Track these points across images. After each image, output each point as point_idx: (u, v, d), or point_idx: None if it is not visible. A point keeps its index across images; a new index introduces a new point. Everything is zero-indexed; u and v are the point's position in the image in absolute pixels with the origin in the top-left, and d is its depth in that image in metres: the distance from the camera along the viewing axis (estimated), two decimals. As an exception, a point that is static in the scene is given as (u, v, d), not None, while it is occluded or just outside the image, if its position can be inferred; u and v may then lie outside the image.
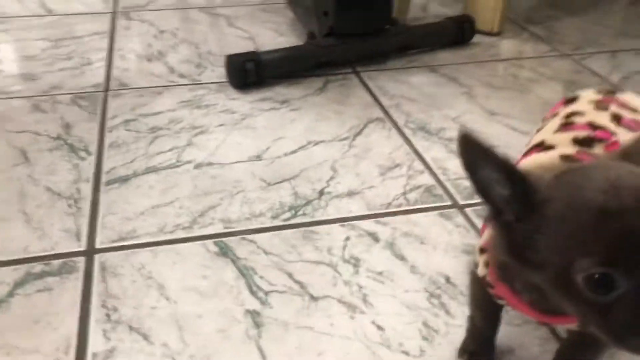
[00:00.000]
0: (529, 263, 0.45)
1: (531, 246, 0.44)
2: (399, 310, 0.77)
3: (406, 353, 0.71)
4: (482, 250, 0.57)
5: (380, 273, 0.82)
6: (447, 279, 0.81)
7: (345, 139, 1.14)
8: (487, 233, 0.56)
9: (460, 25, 1.53)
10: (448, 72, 1.42)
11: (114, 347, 0.70)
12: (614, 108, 0.62)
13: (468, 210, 0.95)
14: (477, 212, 0.94)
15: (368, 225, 0.91)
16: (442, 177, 1.03)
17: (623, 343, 0.41)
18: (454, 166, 1.06)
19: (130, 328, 0.73)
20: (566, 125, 0.61)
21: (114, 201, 0.95)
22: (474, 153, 0.43)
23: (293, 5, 1.60)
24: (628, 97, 0.65)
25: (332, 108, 1.25)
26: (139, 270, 0.82)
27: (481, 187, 0.45)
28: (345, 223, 0.91)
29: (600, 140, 0.57)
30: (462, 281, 0.81)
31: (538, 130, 0.68)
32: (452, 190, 1.00)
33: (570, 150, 0.56)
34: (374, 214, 0.94)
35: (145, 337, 0.72)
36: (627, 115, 0.62)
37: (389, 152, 1.10)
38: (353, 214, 0.93)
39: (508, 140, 1.15)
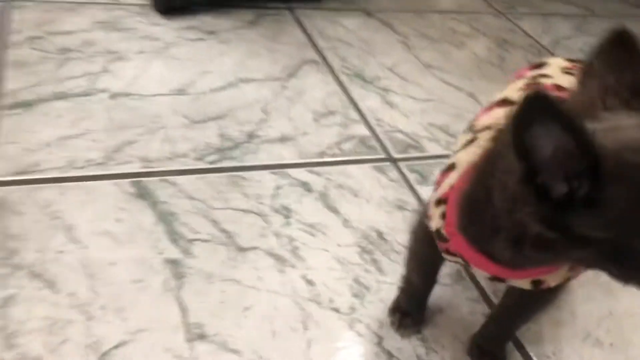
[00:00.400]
0: (568, 233, 0.41)
1: (583, 219, 0.40)
2: (330, 265, 0.73)
3: (336, 310, 0.68)
4: (440, 202, 0.54)
5: (311, 225, 0.78)
6: (380, 235, 0.79)
7: (278, 79, 1.07)
8: (446, 184, 0.53)
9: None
10: (385, 18, 1.37)
11: (12, 295, 0.62)
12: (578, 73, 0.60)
13: (402, 164, 0.92)
14: (412, 167, 0.92)
15: (300, 173, 0.86)
16: (377, 129, 0.99)
17: None
18: (389, 118, 1.03)
19: (32, 274, 0.64)
20: (532, 85, 0.58)
21: (15, 129, 0.84)
22: (545, 110, 0.36)
23: None
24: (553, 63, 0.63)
25: (264, 45, 1.17)
26: (44, 208, 0.72)
27: (527, 150, 0.38)
28: (277, 170, 0.86)
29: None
30: (395, 238, 0.78)
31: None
32: (387, 143, 0.96)
33: None
34: (307, 163, 0.89)
35: (50, 284, 0.64)
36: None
37: (324, 97, 1.05)
38: (285, 161, 0.88)
39: (442, 95, 1.13)
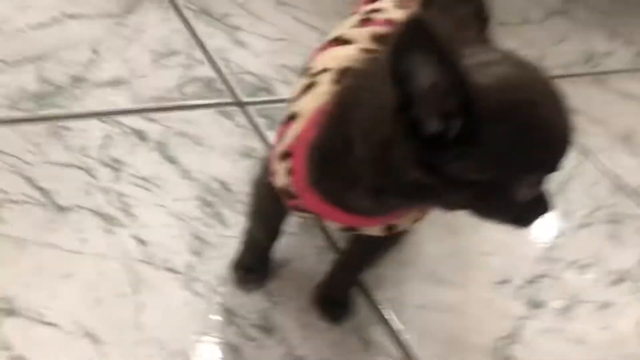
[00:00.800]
0: (444, 177, 0.38)
1: (460, 162, 0.37)
2: (166, 221, 0.67)
3: (171, 270, 0.62)
4: (285, 156, 0.49)
5: (145, 179, 0.71)
6: (224, 185, 0.73)
7: (111, 15, 0.95)
8: (290, 136, 0.48)
9: None
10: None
11: None
12: (413, 6, 0.57)
13: (251, 108, 0.87)
14: (262, 112, 0.87)
15: (134, 121, 0.78)
16: (224, 70, 0.92)
17: (517, 223, 0.43)
18: (238, 58, 0.96)
19: None
20: (365, 21, 0.55)
21: None
22: (424, 38, 0.33)
23: None
24: None
25: (97, -24, 1.04)
26: None
27: (404, 76, 0.35)
28: (106, 118, 0.77)
29: None
30: (241, 188, 0.73)
31: None
32: (235, 86, 0.90)
33: (370, 46, 0.50)
34: (142, 109, 0.80)
35: None
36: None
37: (165, 35, 0.95)
38: (116, 108, 0.79)
39: (295, 34, 1.07)
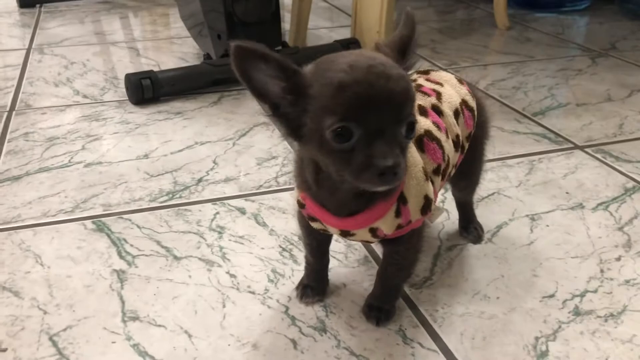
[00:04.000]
0: (303, 138, 0.57)
1: (302, 123, 0.56)
2: (252, 262, 0.87)
3: (252, 292, 0.80)
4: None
5: (241, 236, 0.92)
6: (299, 236, 0.92)
7: (230, 139, 1.26)
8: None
9: (347, 46, 1.69)
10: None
11: (-14, 304, 0.77)
12: (419, 80, 0.76)
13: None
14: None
15: (237, 202, 1.02)
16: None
17: (360, 179, 0.54)
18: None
19: (3, 287, 0.80)
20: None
21: (4, 195, 1.03)
22: (250, 58, 0.54)
23: (192, 31, 1.74)
24: (436, 74, 0.79)
25: (223, 116, 1.37)
26: (19, 245, 0.89)
27: (259, 90, 0.56)
28: (217, 202, 1.02)
29: None
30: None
31: None
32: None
33: None
34: (244, 194, 1.04)
35: (16, 294, 0.79)
36: (427, 85, 0.76)
37: (268, 147, 1.22)
38: (225, 195, 1.04)
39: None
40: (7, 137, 1.25)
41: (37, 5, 2.37)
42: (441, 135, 0.70)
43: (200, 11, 1.58)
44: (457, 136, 0.74)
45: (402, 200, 0.65)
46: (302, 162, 0.65)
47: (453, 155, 0.74)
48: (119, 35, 2.02)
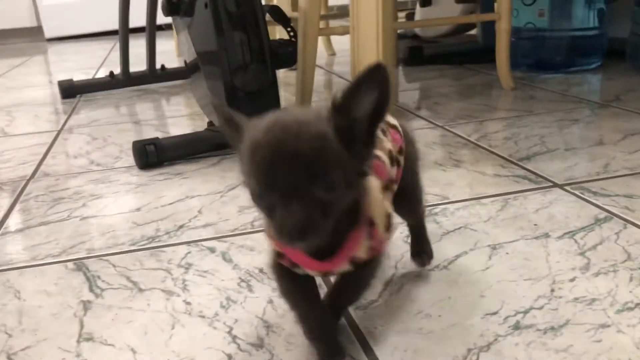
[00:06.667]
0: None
1: (245, 175, 0.59)
2: (209, 292, 0.91)
3: (202, 316, 0.85)
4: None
5: (205, 271, 0.98)
6: (261, 270, 0.96)
7: (219, 192, 1.33)
8: None
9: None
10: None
11: (-39, 330, 0.85)
12: (383, 126, 0.81)
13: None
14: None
15: (210, 243, 1.08)
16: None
17: (280, 239, 0.55)
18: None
19: (-22, 317, 0.88)
20: None
21: (2, 245, 1.13)
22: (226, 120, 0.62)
23: (200, 102, 1.88)
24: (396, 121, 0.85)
25: (219, 174, 1.46)
26: (3, 283, 0.98)
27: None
28: (192, 244, 1.08)
29: None
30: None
31: None
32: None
33: None
34: (219, 236, 1.10)
35: (-11, 322, 0.86)
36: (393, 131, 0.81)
37: (253, 198, 1.29)
38: (200, 237, 1.10)
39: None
40: (20, 199, 1.37)
41: (78, 96, 2.61)
42: (379, 152, 0.74)
43: (204, 85, 1.71)
44: (390, 151, 0.78)
45: (371, 223, 0.67)
46: None
47: (390, 169, 0.77)
48: (144, 116, 2.19)
